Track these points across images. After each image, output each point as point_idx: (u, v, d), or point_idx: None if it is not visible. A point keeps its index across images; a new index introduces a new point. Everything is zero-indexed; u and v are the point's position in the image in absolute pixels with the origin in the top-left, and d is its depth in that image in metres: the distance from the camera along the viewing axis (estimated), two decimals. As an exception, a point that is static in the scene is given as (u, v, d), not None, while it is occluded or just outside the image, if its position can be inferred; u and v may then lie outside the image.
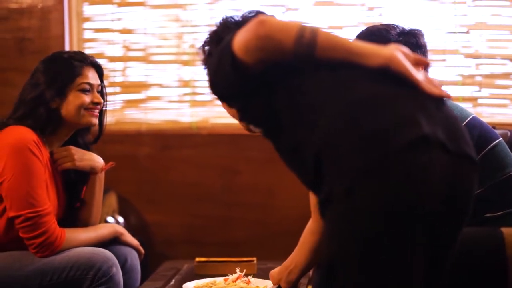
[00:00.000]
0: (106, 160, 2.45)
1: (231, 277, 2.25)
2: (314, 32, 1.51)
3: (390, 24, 2.20)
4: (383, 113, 1.43)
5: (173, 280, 2.46)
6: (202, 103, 3.75)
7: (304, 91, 1.53)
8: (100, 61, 2.44)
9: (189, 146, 3.72)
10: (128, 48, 3.80)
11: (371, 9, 3.61)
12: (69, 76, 2.29)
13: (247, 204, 3.67)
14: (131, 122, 3.79)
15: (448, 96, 1.51)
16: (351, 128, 1.43)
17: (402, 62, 1.49)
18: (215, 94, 1.69)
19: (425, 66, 1.54)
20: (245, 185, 3.67)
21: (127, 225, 3.49)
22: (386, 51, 1.50)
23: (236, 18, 1.91)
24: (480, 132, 2.08)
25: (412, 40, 2.15)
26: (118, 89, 3.80)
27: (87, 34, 3.81)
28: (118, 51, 3.80)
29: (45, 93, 2.27)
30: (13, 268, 2.16)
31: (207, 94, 3.73)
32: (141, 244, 2.53)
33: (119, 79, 3.81)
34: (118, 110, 3.79)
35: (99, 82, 2.37)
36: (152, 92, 3.80)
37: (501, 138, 2.12)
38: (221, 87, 1.65)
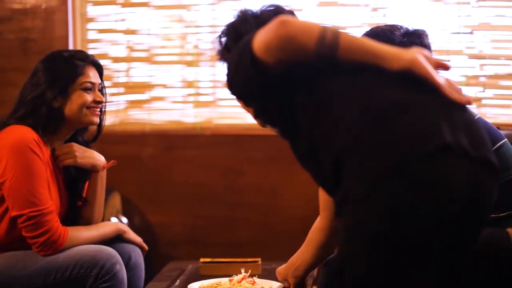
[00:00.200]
0: (109, 161, 2.45)
1: (236, 278, 2.25)
2: (336, 33, 1.50)
3: (394, 25, 2.19)
4: (407, 119, 1.43)
5: (178, 281, 2.46)
6: (206, 104, 3.74)
7: (324, 92, 1.53)
8: (104, 61, 2.45)
9: (193, 147, 3.72)
10: (132, 49, 3.79)
11: (375, 9, 3.61)
12: (71, 75, 2.29)
13: (251, 205, 3.67)
14: (135, 123, 3.79)
15: (469, 103, 1.51)
16: (374, 132, 1.43)
17: (424, 66, 1.49)
18: (233, 93, 1.69)
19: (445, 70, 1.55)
20: (248, 186, 3.66)
21: (131, 226, 3.48)
22: (408, 54, 1.50)
23: (255, 11, 1.90)
24: (485, 133, 2.07)
25: (417, 40, 2.15)
26: (122, 89, 3.80)
27: (91, 35, 3.80)
28: (122, 52, 3.79)
29: (46, 93, 2.27)
30: (17, 268, 2.16)
31: (210, 94, 3.73)
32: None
33: (123, 79, 3.80)
34: (122, 111, 3.78)
35: (100, 81, 2.38)
36: (155, 92, 3.79)
37: (506, 139, 2.11)
38: (239, 86, 1.64)
